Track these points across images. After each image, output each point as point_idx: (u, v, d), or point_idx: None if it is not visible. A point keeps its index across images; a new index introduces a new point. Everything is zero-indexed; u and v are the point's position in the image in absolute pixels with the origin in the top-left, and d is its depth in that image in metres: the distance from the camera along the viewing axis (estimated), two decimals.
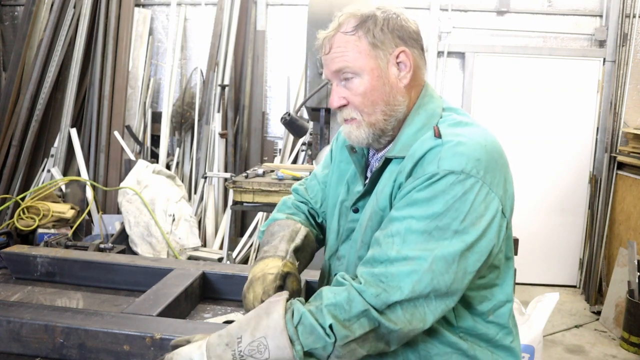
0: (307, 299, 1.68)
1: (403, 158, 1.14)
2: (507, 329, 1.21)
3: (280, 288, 1.20)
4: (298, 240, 1.32)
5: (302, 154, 4.85)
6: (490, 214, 1.07)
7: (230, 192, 3.57)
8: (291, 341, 1.01)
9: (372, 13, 1.16)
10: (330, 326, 1.00)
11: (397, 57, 1.17)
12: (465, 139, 1.09)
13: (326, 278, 1.32)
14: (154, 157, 4.95)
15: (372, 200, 1.21)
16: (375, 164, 1.30)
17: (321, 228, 1.49)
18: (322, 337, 1.00)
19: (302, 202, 1.49)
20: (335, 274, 1.22)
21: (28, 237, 4.03)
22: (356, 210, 1.26)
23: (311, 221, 1.46)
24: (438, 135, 1.10)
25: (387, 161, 1.19)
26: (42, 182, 4.70)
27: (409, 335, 1.05)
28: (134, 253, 3.97)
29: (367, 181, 1.26)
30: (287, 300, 1.08)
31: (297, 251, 1.32)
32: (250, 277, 1.24)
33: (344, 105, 1.20)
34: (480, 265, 1.07)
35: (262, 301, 1.15)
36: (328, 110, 3.04)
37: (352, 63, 1.15)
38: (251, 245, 4.56)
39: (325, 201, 1.44)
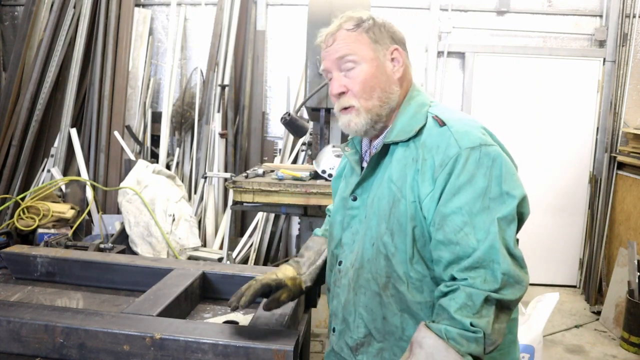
0: (307, 300, 1.67)
1: (402, 142, 1.26)
2: None
3: (267, 287, 1.37)
4: (319, 262, 1.52)
5: (302, 154, 4.85)
6: (515, 168, 1.22)
7: (230, 192, 3.57)
8: (460, 354, 1.08)
9: (369, 16, 1.32)
10: (471, 323, 1.09)
11: (392, 53, 1.31)
12: (465, 121, 1.25)
13: (334, 266, 1.40)
14: (154, 157, 4.95)
15: (383, 187, 1.27)
16: (368, 154, 1.41)
17: None
18: (472, 336, 1.08)
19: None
20: (340, 262, 1.36)
21: (28, 237, 4.03)
22: (355, 199, 1.35)
23: None
24: (442, 123, 1.24)
25: (385, 148, 1.29)
26: (42, 182, 4.70)
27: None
28: (134, 253, 3.97)
29: (364, 170, 1.36)
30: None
31: (320, 267, 1.52)
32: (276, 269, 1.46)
33: (344, 93, 1.30)
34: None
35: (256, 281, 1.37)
36: (328, 110, 3.04)
37: (354, 51, 1.28)
38: (251, 245, 4.56)
39: None
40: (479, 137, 1.20)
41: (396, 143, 1.28)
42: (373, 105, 1.29)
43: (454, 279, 1.15)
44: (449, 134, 1.20)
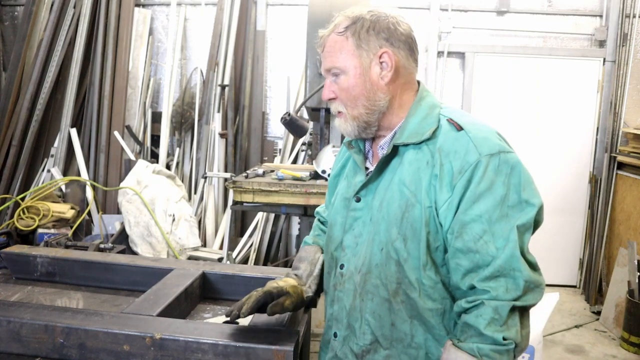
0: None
1: (414, 144, 1.23)
2: None
3: (270, 296, 1.32)
4: (316, 272, 1.47)
5: (302, 154, 4.85)
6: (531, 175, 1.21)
7: (230, 192, 3.57)
8: None
9: (362, 15, 1.26)
10: (503, 337, 1.11)
11: (380, 57, 1.25)
12: (480, 126, 1.23)
13: (333, 269, 1.37)
14: (154, 157, 4.95)
15: (393, 190, 1.24)
16: (371, 154, 1.38)
17: None
18: (504, 349, 1.11)
19: (323, 222, 1.61)
20: (342, 265, 1.33)
21: (28, 237, 4.03)
22: (358, 200, 1.32)
23: None
24: (459, 127, 1.21)
25: (394, 149, 1.26)
26: (42, 182, 4.70)
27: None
28: (134, 253, 3.97)
29: (370, 170, 1.33)
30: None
31: (318, 277, 1.48)
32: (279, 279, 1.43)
33: (334, 99, 1.31)
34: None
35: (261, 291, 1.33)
36: (328, 110, 3.05)
37: (337, 62, 1.27)
38: (251, 245, 4.56)
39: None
40: (498, 143, 1.19)
41: (406, 145, 1.24)
42: (359, 113, 1.28)
43: (472, 288, 1.15)
44: (467, 139, 1.18)
